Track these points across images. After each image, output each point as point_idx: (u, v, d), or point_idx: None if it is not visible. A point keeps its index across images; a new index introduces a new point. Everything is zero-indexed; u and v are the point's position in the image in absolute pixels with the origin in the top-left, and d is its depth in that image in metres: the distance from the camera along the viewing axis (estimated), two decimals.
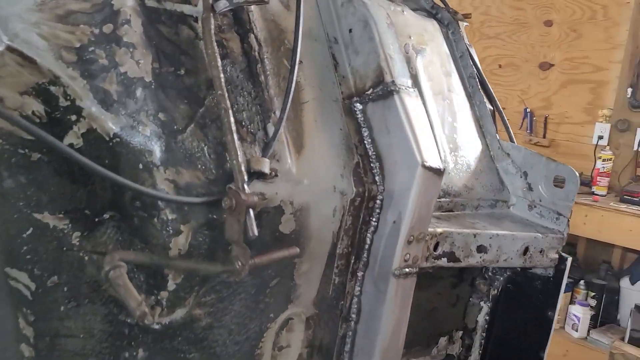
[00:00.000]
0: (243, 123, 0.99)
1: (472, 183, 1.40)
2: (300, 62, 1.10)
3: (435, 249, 1.22)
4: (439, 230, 1.21)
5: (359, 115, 1.18)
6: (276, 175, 0.98)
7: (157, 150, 0.88)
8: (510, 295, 1.50)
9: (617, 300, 3.72)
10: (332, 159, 1.11)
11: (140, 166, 0.88)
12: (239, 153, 0.90)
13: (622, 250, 3.90)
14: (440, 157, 1.14)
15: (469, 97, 1.51)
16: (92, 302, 0.97)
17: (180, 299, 0.92)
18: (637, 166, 3.93)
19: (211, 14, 0.94)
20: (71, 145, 0.90)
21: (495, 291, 1.51)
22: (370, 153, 1.17)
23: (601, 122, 4.60)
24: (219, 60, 0.93)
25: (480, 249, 1.28)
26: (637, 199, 3.52)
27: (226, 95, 0.92)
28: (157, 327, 0.92)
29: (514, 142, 1.55)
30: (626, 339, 3.90)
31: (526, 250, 1.35)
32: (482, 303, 1.52)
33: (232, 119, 0.92)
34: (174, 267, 0.87)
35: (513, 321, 1.50)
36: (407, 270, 1.16)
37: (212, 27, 0.94)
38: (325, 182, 1.08)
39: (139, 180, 0.87)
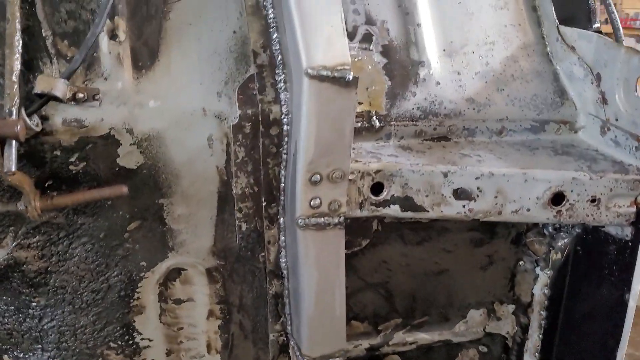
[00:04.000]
0: (65, 35, 0.82)
1: (488, 96, 0.95)
2: None
3: (377, 192, 0.87)
4: (374, 166, 0.84)
5: (270, 12, 0.88)
6: (95, 99, 0.79)
7: None
8: (579, 262, 1.01)
9: None
10: (204, 73, 0.85)
11: None
12: (15, 69, 0.75)
13: None
14: (345, 57, 0.77)
15: None
16: None
17: None
18: None
19: None
20: None
21: (559, 254, 1.02)
22: (277, 62, 0.86)
23: None
24: None
25: (461, 194, 0.86)
26: None
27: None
28: None
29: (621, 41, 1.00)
30: None
31: (559, 198, 0.86)
32: (537, 270, 1.05)
33: (17, 25, 0.76)
34: None
35: (583, 299, 1.01)
36: (319, 220, 0.85)
37: None
38: (188, 103, 0.84)
39: None
